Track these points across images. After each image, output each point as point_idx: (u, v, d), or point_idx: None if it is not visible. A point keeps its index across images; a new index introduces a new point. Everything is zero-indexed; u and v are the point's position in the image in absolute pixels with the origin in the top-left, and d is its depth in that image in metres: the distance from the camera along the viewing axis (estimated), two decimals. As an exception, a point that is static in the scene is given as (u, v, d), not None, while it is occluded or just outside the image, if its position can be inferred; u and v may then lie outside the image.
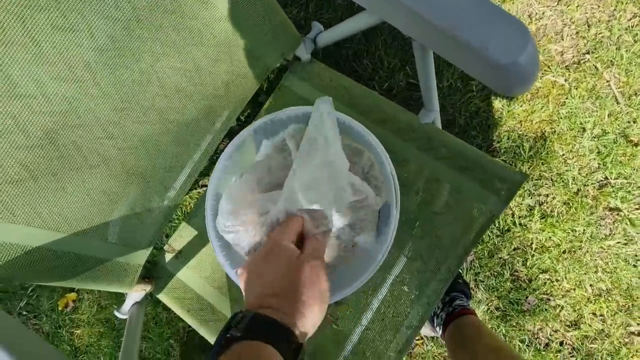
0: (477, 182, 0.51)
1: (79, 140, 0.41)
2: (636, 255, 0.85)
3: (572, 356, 0.85)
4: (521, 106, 0.90)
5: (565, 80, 0.89)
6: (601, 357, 0.84)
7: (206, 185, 0.96)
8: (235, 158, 0.46)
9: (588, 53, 0.89)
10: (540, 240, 0.88)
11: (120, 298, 1.00)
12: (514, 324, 0.88)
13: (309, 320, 0.31)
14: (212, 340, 0.57)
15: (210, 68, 0.48)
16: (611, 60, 0.88)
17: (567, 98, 0.89)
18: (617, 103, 0.87)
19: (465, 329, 0.63)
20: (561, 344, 0.86)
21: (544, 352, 0.86)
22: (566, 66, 0.90)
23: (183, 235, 0.60)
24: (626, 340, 0.84)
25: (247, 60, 0.51)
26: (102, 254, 0.48)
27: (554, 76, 0.90)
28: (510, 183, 0.50)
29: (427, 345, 0.89)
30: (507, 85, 0.34)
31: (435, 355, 0.89)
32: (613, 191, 0.86)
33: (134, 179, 0.48)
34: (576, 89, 0.88)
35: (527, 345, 0.87)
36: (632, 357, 0.83)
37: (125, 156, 0.46)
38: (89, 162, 0.43)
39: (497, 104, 0.91)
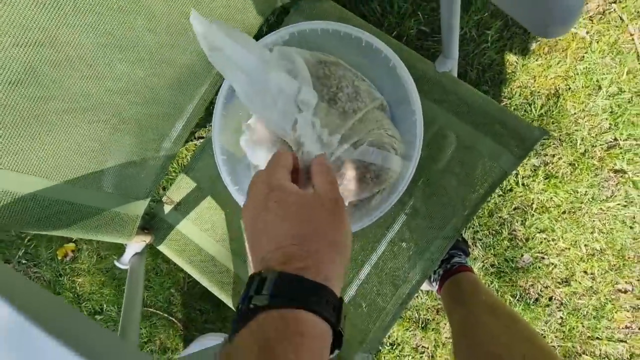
0: (491, 137, 0.49)
1: (62, 79, 0.37)
2: (634, 217, 0.86)
3: (559, 310, 0.89)
4: (537, 60, 0.85)
5: (587, 33, 0.83)
6: (587, 312, 0.88)
7: (203, 137, 0.93)
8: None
9: (615, 2, 0.82)
10: (541, 201, 0.87)
11: (119, 249, 1.00)
12: (507, 280, 0.91)
13: (340, 270, 0.26)
14: (214, 290, 0.57)
15: (208, 1, 0.43)
16: (639, 12, 0.82)
17: (586, 52, 0.84)
18: (639, 60, 0.83)
19: (463, 285, 0.64)
20: (550, 299, 0.90)
21: (532, 307, 0.90)
22: (590, 17, 0.83)
23: (181, 187, 0.58)
24: (612, 296, 0.88)
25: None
26: (98, 203, 0.46)
27: (575, 27, 0.84)
28: (527, 139, 0.48)
29: (421, 298, 0.92)
30: (545, 21, 0.30)
31: (428, 308, 0.92)
32: (621, 153, 0.85)
33: (127, 126, 0.45)
34: (597, 42, 0.83)
35: (517, 299, 0.90)
36: (616, 312, 0.88)
37: (116, 100, 0.42)
38: (76, 104, 0.39)
39: (512, 57, 0.86)
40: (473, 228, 0.90)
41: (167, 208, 0.59)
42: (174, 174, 0.94)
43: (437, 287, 0.74)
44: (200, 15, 0.33)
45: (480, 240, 0.90)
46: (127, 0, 0.38)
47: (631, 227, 0.86)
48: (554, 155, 0.87)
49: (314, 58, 0.43)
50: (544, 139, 0.86)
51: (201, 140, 1.01)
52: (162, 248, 0.59)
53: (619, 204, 0.86)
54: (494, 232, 0.90)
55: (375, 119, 0.42)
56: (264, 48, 0.37)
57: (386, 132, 0.42)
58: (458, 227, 0.52)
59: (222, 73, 0.35)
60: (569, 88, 0.85)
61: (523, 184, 0.88)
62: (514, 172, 0.87)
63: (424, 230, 0.52)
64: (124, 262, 0.55)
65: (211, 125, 0.52)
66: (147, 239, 0.56)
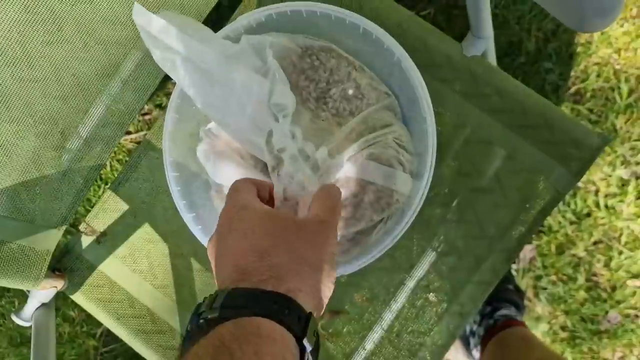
0: (538, 145, 0.59)
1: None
2: None
3: (661, 394, 1.00)
4: (621, 26, 0.98)
5: (693, -11, 0.96)
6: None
7: (139, 142, 1.02)
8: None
9: None
10: (633, 231, 0.99)
11: (20, 296, 1.08)
12: (586, 350, 1.01)
13: (312, 282, 0.35)
14: (151, 357, 0.66)
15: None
16: None
17: (692, 17, 0.96)
18: None
19: (511, 342, 0.75)
20: (648, 377, 1.00)
21: (622, 388, 1.00)
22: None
23: (107, 209, 0.68)
24: None
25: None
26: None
27: (676, -19, 0.96)
28: (585, 148, 0.59)
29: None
30: (579, 15, 0.41)
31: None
32: None
33: (39, 126, 0.55)
34: None
35: (600, 378, 1.01)
36: None
37: (30, 91, 0.52)
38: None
39: (587, 21, 0.98)
40: (533, 272, 1.01)
41: (87, 240, 0.68)
42: (97, 190, 1.03)
43: (478, 354, 0.84)
44: (143, 8, 0.43)
45: (545, 290, 1.01)
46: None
47: None
48: (649, 165, 0.99)
49: (296, 43, 0.53)
50: (634, 141, 0.98)
51: (137, 145, 1.12)
52: (78, 297, 0.68)
53: None
54: (565, 277, 1.01)
55: (380, 122, 0.53)
56: (227, 41, 0.47)
57: (394, 141, 0.52)
58: (497, 268, 0.62)
59: (172, 77, 0.45)
60: (669, 67, 0.97)
61: (606, 206, 0.99)
62: (593, 188, 0.99)
63: (453, 272, 0.62)
64: (26, 317, 0.64)
65: (150, 129, 0.62)
66: (59, 284, 0.65)
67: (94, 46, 0.55)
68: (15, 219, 0.57)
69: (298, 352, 0.31)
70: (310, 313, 0.33)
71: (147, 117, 1.11)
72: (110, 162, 1.08)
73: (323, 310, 0.37)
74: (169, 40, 0.44)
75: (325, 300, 0.37)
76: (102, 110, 0.59)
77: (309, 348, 0.32)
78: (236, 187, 0.41)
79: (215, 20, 1.02)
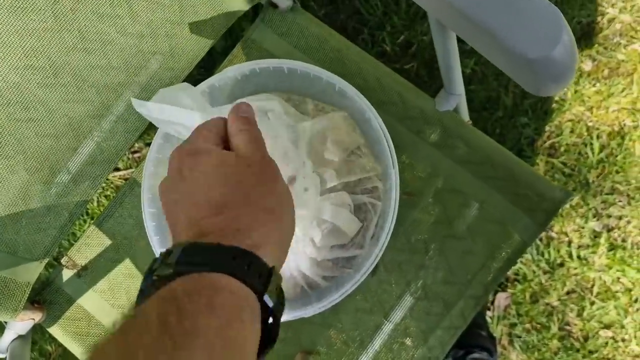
0: (506, 196, 0.63)
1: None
2: None
3: None
4: (594, 86, 1.03)
5: (659, 54, 1.02)
6: None
7: (127, 179, 1.05)
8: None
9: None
10: (604, 282, 1.01)
11: None
12: (559, 399, 1.02)
13: (276, 237, 0.34)
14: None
15: (150, 15, 0.57)
16: None
17: (658, 79, 1.02)
18: None
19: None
20: None
21: None
22: (662, 33, 1.03)
23: (90, 244, 0.70)
24: None
25: (202, 4, 0.60)
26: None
27: (643, 46, 1.03)
28: (549, 201, 0.62)
29: None
30: (536, 84, 0.45)
31: None
32: None
33: (30, 162, 0.57)
34: (673, 67, 1.02)
35: None
36: None
37: (23, 131, 0.55)
38: (-25, 137, 0.52)
39: (560, 79, 1.03)
40: (508, 319, 1.03)
41: (68, 274, 0.69)
42: (82, 225, 1.05)
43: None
44: (139, 101, 0.49)
45: (519, 337, 1.03)
46: (57, 19, 0.52)
47: None
48: (620, 218, 1.02)
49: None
50: (605, 194, 1.02)
51: (124, 182, 1.14)
52: (54, 330, 0.69)
53: None
54: (539, 326, 1.03)
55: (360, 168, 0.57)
56: (224, 106, 0.50)
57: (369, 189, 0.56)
58: (465, 313, 0.64)
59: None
60: (638, 126, 1.02)
61: (579, 257, 1.02)
62: (566, 239, 1.02)
63: (426, 316, 0.64)
64: (1, 348, 0.65)
65: (137, 165, 0.65)
66: (37, 316, 0.66)
67: (87, 90, 0.58)
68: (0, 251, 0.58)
69: (259, 307, 0.30)
70: (273, 267, 0.32)
71: (136, 155, 1.14)
72: (97, 198, 1.11)
73: (285, 260, 0.36)
74: (170, 117, 0.48)
75: (289, 244, 0.36)
76: (91, 148, 0.62)
77: (270, 304, 0.31)
78: (199, 128, 0.40)
79: (208, 65, 1.06)
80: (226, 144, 0.40)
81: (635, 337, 1.01)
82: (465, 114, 0.69)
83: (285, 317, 0.56)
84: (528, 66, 0.44)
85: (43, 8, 0.51)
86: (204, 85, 0.57)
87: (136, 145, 1.10)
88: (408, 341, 0.65)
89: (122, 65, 0.59)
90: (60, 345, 0.85)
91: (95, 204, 1.09)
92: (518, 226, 0.63)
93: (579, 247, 1.02)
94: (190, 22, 0.61)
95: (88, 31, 0.55)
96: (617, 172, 1.02)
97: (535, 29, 0.43)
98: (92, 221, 0.79)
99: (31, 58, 0.52)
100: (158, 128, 0.58)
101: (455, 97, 0.63)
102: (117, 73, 0.59)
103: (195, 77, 1.06)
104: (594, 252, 1.02)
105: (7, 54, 0.50)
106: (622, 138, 1.02)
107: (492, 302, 1.03)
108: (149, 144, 1.10)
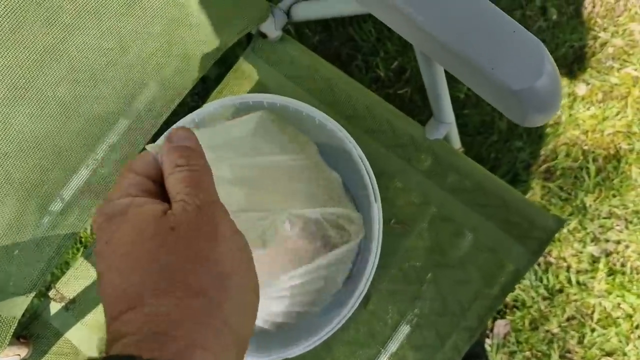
0: (498, 224, 0.62)
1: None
2: None
3: None
4: (588, 109, 1.03)
5: (652, 77, 1.03)
6: None
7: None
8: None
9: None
10: (605, 308, 1.00)
11: None
12: None
13: (211, 330, 0.25)
14: None
15: (140, 47, 0.58)
16: None
17: (653, 104, 1.02)
18: None
19: None
20: None
21: None
22: (656, 56, 1.03)
23: (79, 276, 0.69)
24: None
25: (192, 36, 0.61)
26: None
27: (636, 69, 1.03)
28: (541, 229, 0.61)
29: None
30: (522, 115, 0.45)
31: None
32: None
33: (16, 193, 0.57)
34: (667, 90, 1.02)
35: None
36: None
37: (9, 162, 0.55)
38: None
39: (555, 104, 1.04)
40: (508, 347, 1.01)
41: (55, 307, 0.69)
42: (75, 253, 1.05)
43: None
44: (153, 145, 0.45)
45: (520, 365, 1.01)
46: (47, 52, 0.52)
47: None
48: (618, 242, 1.01)
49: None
50: (603, 218, 1.01)
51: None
52: (43, 366, 0.68)
53: None
54: (539, 354, 1.01)
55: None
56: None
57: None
58: (459, 345, 0.63)
59: None
60: (633, 149, 1.02)
61: (578, 282, 1.01)
62: (564, 264, 1.01)
63: (418, 351, 0.63)
64: (-13, 385, 0.64)
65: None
66: (23, 352, 0.65)
67: (76, 121, 0.58)
68: (-14, 285, 0.58)
69: None
70: None
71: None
72: (90, 227, 1.10)
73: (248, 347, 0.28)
74: None
75: (251, 330, 0.28)
76: (81, 181, 0.62)
77: None
78: (123, 170, 0.31)
79: (202, 92, 1.07)
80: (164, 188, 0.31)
81: (637, 364, 0.99)
82: (456, 142, 0.69)
83: (275, 357, 0.55)
84: (513, 98, 0.44)
85: (33, 41, 0.51)
86: (187, 119, 0.58)
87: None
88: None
89: (111, 96, 0.59)
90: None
91: (88, 231, 1.09)
92: (511, 255, 0.63)
93: (578, 272, 1.01)
94: (179, 53, 0.61)
95: (78, 63, 0.55)
96: (614, 195, 1.01)
97: (518, 61, 0.43)
98: (82, 253, 0.79)
99: (20, 90, 0.52)
100: None
101: (445, 126, 0.63)
102: (107, 103, 0.59)
103: (190, 104, 1.07)
104: (593, 278, 1.01)
105: (-4, 88, 0.51)
106: (618, 161, 1.02)
107: (491, 330, 1.02)
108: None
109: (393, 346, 0.63)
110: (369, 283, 0.53)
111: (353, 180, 0.57)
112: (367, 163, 0.54)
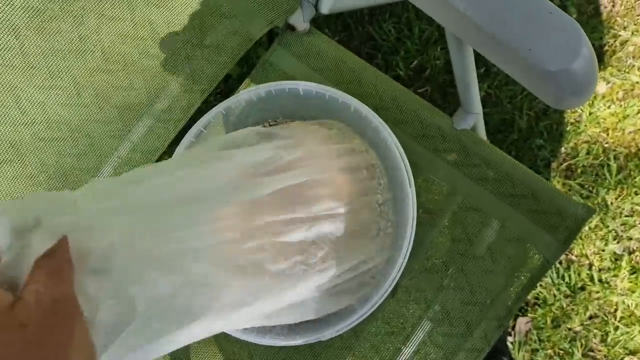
0: (526, 214, 0.62)
1: (-10, 126, 0.50)
2: None
3: None
4: (609, 107, 1.03)
5: (674, 75, 1.02)
6: None
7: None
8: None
9: None
10: (628, 307, 0.99)
11: None
12: None
13: None
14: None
15: (172, 37, 0.59)
16: None
17: (675, 100, 1.02)
18: None
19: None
20: None
21: None
22: (677, 54, 1.03)
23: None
24: None
25: (223, 26, 0.61)
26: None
27: (658, 67, 1.03)
28: (570, 218, 0.61)
29: None
30: (557, 97, 0.45)
31: None
32: None
33: (51, 181, 0.58)
34: (688, 88, 1.02)
35: None
36: None
37: (46, 149, 0.55)
38: (0, 155, 0.52)
39: (575, 102, 1.03)
40: (530, 345, 1.00)
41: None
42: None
43: None
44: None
45: (542, 364, 1.00)
46: (82, 41, 0.53)
47: None
48: (641, 240, 1.00)
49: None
50: (625, 216, 1.00)
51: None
52: None
53: None
54: (561, 352, 1.00)
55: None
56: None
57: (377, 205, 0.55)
58: (489, 335, 0.63)
59: None
60: (655, 147, 1.01)
61: (600, 281, 1.00)
62: (586, 262, 1.00)
63: (446, 338, 0.63)
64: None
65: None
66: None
67: (108, 110, 0.59)
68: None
69: None
70: None
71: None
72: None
73: None
74: None
75: None
76: (110, 170, 0.62)
77: None
78: None
79: (225, 92, 1.08)
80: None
81: (662, 363, 0.98)
82: (482, 133, 0.69)
83: (305, 340, 0.55)
84: (549, 79, 0.44)
85: (68, 30, 0.52)
86: (220, 107, 0.58)
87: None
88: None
89: (143, 86, 0.60)
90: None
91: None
92: (540, 245, 0.62)
93: (600, 270, 1.00)
94: (210, 44, 0.62)
95: (111, 52, 0.56)
96: (636, 193, 1.00)
97: (555, 42, 0.43)
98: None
99: (56, 78, 0.53)
100: (176, 150, 0.58)
101: (473, 116, 0.63)
102: (138, 94, 0.60)
103: (212, 103, 1.07)
104: (615, 276, 0.99)
105: (32, 74, 0.52)
106: (640, 159, 1.01)
107: (513, 328, 1.01)
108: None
109: (421, 335, 0.63)
110: (403, 267, 0.53)
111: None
112: (402, 149, 0.55)
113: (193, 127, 0.58)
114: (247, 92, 0.57)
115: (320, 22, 1.08)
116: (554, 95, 0.46)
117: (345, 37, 1.09)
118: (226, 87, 1.07)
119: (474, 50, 0.53)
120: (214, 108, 0.59)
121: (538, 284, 0.99)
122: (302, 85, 0.56)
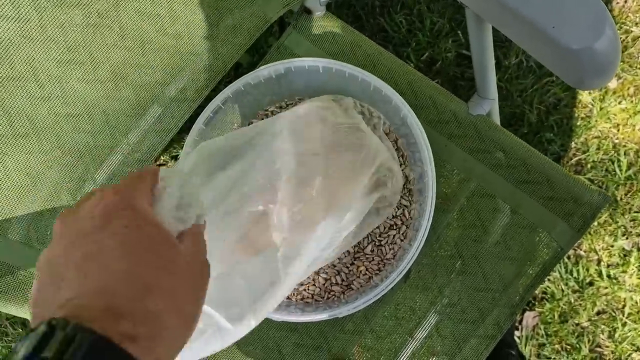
0: (541, 200, 0.62)
1: (7, 98, 0.50)
2: None
3: None
4: (619, 103, 1.02)
5: (686, 71, 1.02)
6: None
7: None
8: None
9: None
10: (636, 303, 0.98)
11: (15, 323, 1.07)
12: None
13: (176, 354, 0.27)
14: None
15: (189, 16, 0.58)
16: None
17: (686, 97, 1.01)
18: None
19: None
20: None
21: None
22: (688, 51, 1.03)
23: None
24: None
25: (239, 7, 0.61)
26: (6, 257, 0.57)
27: (669, 63, 1.02)
28: (586, 205, 0.61)
29: None
30: (579, 76, 0.45)
31: None
32: None
33: (67, 158, 0.57)
34: (700, 84, 1.01)
35: None
36: None
37: (63, 126, 0.55)
38: (16, 129, 0.52)
39: (585, 97, 1.03)
40: (536, 339, 1.00)
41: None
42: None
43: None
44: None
45: (549, 359, 1.00)
46: (100, 16, 0.53)
47: None
48: (650, 236, 1.00)
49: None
50: (634, 212, 1.00)
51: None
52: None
53: None
54: (568, 347, 0.99)
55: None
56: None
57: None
58: (501, 322, 0.62)
59: None
60: (666, 143, 1.01)
61: (609, 276, 1.00)
62: (595, 257, 0.99)
63: (457, 325, 0.63)
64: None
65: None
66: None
67: (124, 88, 0.59)
68: (31, 246, 0.58)
69: None
70: None
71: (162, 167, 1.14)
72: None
73: None
74: None
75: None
76: (126, 148, 0.62)
77: None
78: (138, 175, 0.33)
79: (234, 79, 1.08)
80: None
81: (669, 360, 0.97)
82: (497, 119, 0.69)
83: (319, 317, 0.55)
84: (571, 58, 0.43)
85: (87, 4, 0.52)
86: (240, 82, 0.58)
87: (162, 158, 1.10)
88: (441, 351, 0.63)
89: (159, 65, 0.60)
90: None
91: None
92: (554, 232, 0.62)
93: (609, 265, 1.00)
94: (227, 24, 0.62)
95: (129, 29, 0.56)
96: (646, 189, 1.00)
97: (579, 20, 0.43)
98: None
99: (73, 52, 0.53)
100: (183, 141, 0.58)
101: (489, 102, 0.63)
102: (154, 72, 0.60)
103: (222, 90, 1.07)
104: (624, 272, 0.99)
105: (51, 47, 0.51)
106: (650, 155, 1.01)
107: (520, 322, 1.00)
108: (175, 157, 1.11)
109: (433, 320, 0.63)
110: (418, 251, 0.53)
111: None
112: (422, 129, 0.55)
113: (212, 102, 0.58)
114: (266, 69, 0.57)
115: (332, 12, 1.07)
116: (576, 75, 0.45)
117: (356, 28, 1.07)
118: (236, 76, 1.07)
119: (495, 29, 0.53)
120: (233, 83, 0.59)
121: (546, 278, 0.99)
122: (322, 63, 0.56)
